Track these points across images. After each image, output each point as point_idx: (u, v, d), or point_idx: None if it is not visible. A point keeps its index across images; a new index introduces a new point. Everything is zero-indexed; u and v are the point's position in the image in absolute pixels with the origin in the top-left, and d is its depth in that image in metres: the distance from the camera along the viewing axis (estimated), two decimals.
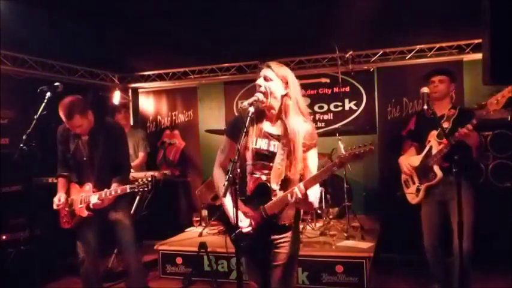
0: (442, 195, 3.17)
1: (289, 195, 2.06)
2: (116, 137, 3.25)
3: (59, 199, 3.12)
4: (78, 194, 3.15)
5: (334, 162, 2.00)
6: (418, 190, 3.25)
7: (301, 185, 2.03)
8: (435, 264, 3.31)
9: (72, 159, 3.18)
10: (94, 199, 3.00)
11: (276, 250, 2.19)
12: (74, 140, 3.17)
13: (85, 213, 3.07)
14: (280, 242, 2.19)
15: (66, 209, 3.17)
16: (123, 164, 3.23)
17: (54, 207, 3.13)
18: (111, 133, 3.23)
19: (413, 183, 3.31)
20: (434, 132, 3.14)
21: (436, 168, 3.12)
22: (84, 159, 3.15)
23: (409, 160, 3.33)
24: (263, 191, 2.16)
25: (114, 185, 3.06)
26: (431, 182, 3.16)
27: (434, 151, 3.13)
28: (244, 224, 2.13)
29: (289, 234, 2.20)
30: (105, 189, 3.01)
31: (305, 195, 2.02)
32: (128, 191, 2.91)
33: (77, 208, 3.10)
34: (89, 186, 3.10)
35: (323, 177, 2.06)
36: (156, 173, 4.84)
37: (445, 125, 3.09)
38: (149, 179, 2.90)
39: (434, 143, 3.15)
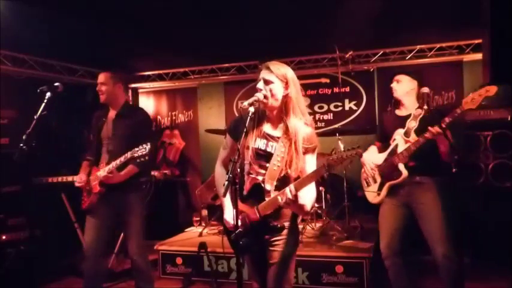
0: (407, 197, 3.03)
1: (279, 196, 2.06)
2: (142, 121, 3.34)
3: (80, 177, 3.21)
4: (95, 173, 3.21)
5: (322, 165, 2.00)
6: (380, 189, 3.12)
7: (291, 186, 2.03)
8: (396, 273, 3.07)
9: (98, 139, 3.26)
10: (103, 172, 3.08)
11: (271, 248, 2.19)
12: (103, 119, 3.30)
13: (97, 188, 3.13)
14: (275, 241, 2.19)
15: (87, 188, 3.23)
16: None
17: (76, 184, 3.21)
18: (137, 116, 3.34)
19: (375, 181, 3.18)
20: (401, 130, 3.05)
21: (401, 167, 2.99)
22: (109, 139, 3.23)
23: (372, 157, 3.21)
24: (257, 192, 2.17)
25: (129, 167, 3.12)
26: (395, 180, 3.03)
27: (400, 149, 3.02)
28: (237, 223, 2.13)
29: (284, 233, 2.19)
30: (112, 162, 3.06)
31: (295, 197, 2.02)
32: (129, 156, 2.94)
33: (93, 185, 3.17)
34: (102, 165, 3.17)
35: (312, 180, 2.07)
36: (156, 173, 4.84)
37: (412, 124, 3.01)
38: (148, 145, 2.90)
39: (400, 141, 3.04)
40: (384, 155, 3.16)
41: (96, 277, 3.24)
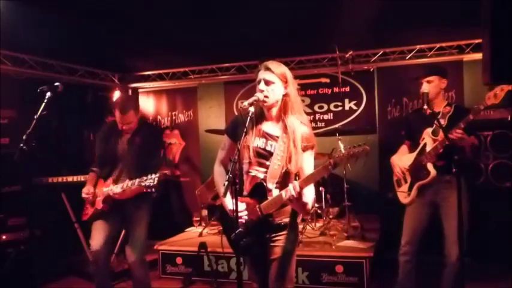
0: (434, 195, 3.06)
1: (283, 192, 2.06)
2: (155, 139, 3.49)
3: (88, 189, 3.21)
4: (101, 187, 3.23)
5: (328, 162, 1.98)
6: (410, 189, 3.13)
7: (296, 182, 2.03)
8: (407, 271, 3.15)
9: (110, 156, 3.26)
10: (115, 188, 3.08)
11: (272, 244, 2.19)
12: (117, 139, 3.29)
13: (100, 205, 3.14)
14: (276, 236, 2.20)
15: (92, 200, 3.23)
16: (153, 165, 3.21)
17: (83, 195, 3.21)
18: (151, 134, 3.43)
19: (406, 182, 3.19)
20: (429, 129, 3.06)
21: (429, 166, 3.02)
22: (123, 157, 3.24)
23: (402, 159, 3.23)
24: (259, 191, 2.17)
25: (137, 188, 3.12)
26: (424, 180, 3.05)
27: (428, 148, 3.04)
28: (242, 212, 2.14)
29: (285, 230, 2.21)
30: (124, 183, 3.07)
31: (299, 194, 2.02)
32: (136, 184, 2.94)
33: (96, 200, 3.19)
34: (110, 181, 3.18)
35: (318, 177, 2.07)
36: None
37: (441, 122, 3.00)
38: (157, 176, 2.88)
39: (428, 140, 3.06)
40: (413, 155, 3.17)
41: (106, 277, 3.28)
